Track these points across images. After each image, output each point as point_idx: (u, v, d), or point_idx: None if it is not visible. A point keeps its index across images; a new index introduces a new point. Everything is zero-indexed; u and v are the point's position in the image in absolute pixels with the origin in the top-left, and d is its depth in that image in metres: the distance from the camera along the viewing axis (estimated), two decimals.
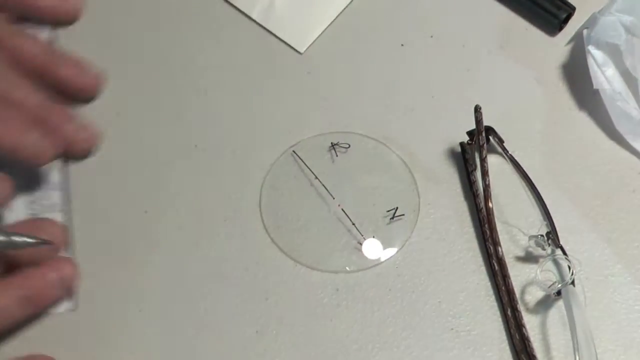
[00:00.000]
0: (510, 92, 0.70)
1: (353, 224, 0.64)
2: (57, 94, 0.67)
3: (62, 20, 0.72)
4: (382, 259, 0.63)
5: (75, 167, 0.67)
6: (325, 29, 0.73)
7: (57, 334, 0.61)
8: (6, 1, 0.69)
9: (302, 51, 0.72)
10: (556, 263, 0.63)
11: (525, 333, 0.60)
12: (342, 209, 0.65)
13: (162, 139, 0.68)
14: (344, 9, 0.74)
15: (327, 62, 0.71)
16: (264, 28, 0.73)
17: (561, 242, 0.63)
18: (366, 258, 0.63)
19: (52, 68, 0.67)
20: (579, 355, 0.57)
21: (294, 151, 0.67)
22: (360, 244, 0.64)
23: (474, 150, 0.66)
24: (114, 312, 0.62)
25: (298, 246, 0.64)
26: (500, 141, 0.66)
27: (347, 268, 0.63)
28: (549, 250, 0.62)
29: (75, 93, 0.68)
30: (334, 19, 0.74)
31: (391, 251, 0.64)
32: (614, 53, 0.68)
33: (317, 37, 0.73)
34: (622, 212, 0.65)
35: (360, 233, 0.64)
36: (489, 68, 0.72)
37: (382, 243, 0.64)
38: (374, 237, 0.64)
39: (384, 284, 0.62)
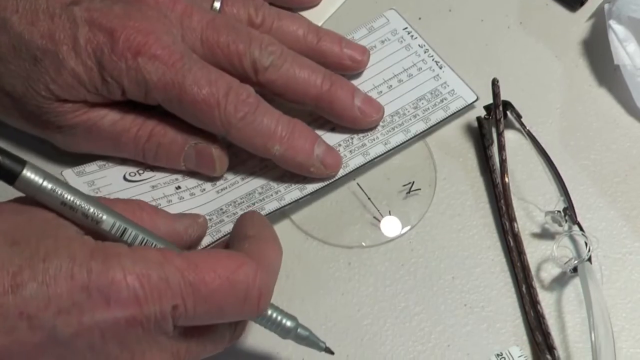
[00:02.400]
0: (529, 68, 0.70)
1: (369, 198, 0.64)
2: None
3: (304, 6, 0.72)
4: (398, 234, 0.63)
5: None
6: (343, 3, 0.73)
7: None
8: None
9: (319, 24, 0.70)
10: (573, 240, 0.62)
11: (540, 310, 0.59)
12: (358, 183, 0.64)
13: None
14: None
15: (349, 32, 0.70)
16: None
17: (578, 219, 0.62)
18: (382, 233, 0.63)
19: (320, 45, 0.66)
20: (594, 333, 0.56)
21: None
22: (377, 220, 0.63)
23: (491, 125, 0.65)
24: None
25: (310, 220, 0.63)
26: (518, 116, 0.66)
27: (362, 243, 0.62)
28: (565, 226, 0.61)
29: (343, 68, 0.67)
30: None
31: (406, 226, 0.63)
32: (636, 28, 0.67)
33: (335, 12, 0.72)
34: None
35: (377, 208, 0.64)
36: (508, 43, 0.71)
37: (398, 218, 0.63)
38: (390, 213, 0.64)
39: (397, 259, 0.62)
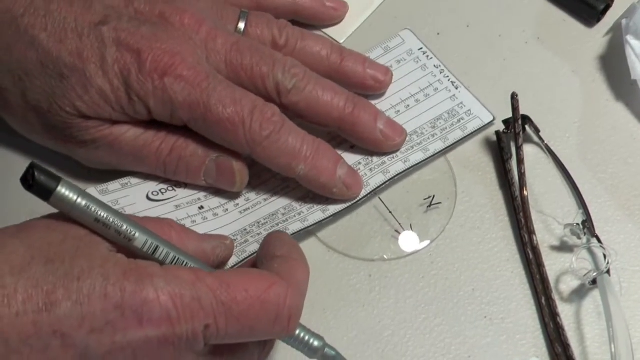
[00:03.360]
0: (547, 83, 0.70)
1: (390, 212, 0.64)
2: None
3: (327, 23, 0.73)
4: (419, 248, 0.63)
5: None
6: (365, 20, 0.74)
7: None
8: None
9: (341, 41, 0.72)
10: (591, 253, 0.62)
11: (560, 322, 0.59)
12: (379, 198, 0.65)
13: None
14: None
15: (365, 52, 0.70)
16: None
17: (597, 232, 0.62)
18: (403, 247, 0.63)
19: (343, 65, 0.67)
20: (614, 345, 0.57)
21: None
22: (398, 233, 0.64)
23: (510, 139, 0.66)
24: None
25: (332, 233, 0.64)
26: (537, 130, 0.66)
27: (384, 256, 0.63)
28: (584, 239, 0.62)
29: (366, 88, 0.67)
30: (374, 11, 0.74)
31: (427, 239, 0.64)
32: None
33: (357, 29, 0.73)
34: None
35: (398, 222, 0.64)
36: (526, 58, 0.71)
37: (419, 232, 0.64)
38: (411, 227, 0.64)
39: (417, 271, 0.62)
